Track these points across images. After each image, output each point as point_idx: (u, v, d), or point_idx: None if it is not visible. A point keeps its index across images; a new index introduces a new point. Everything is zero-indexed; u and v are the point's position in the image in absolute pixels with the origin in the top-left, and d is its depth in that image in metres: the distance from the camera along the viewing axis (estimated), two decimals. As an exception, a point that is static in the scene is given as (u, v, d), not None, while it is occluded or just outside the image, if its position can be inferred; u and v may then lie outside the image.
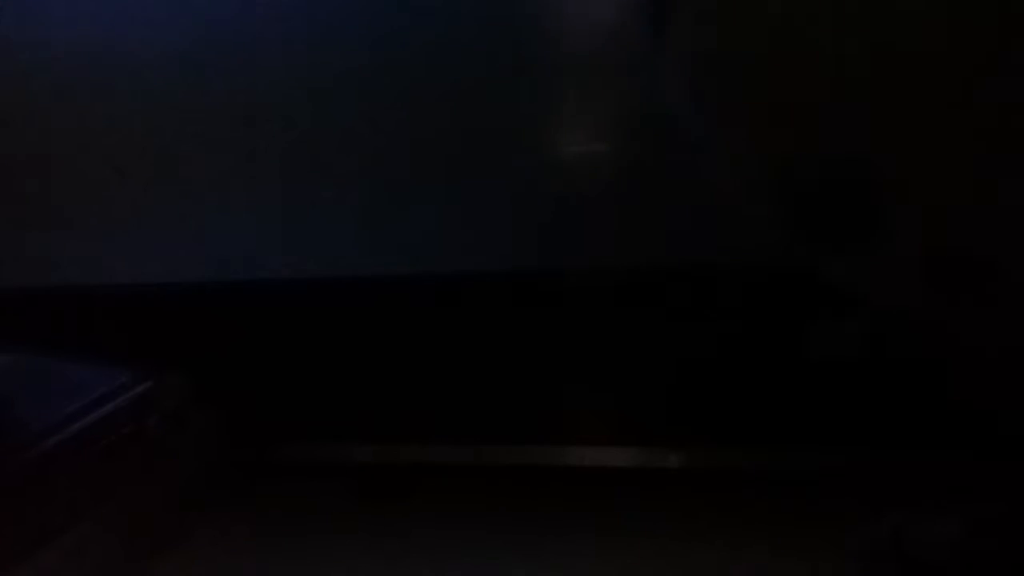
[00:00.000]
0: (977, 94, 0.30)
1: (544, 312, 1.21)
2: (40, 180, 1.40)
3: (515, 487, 1.29)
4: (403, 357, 1.39)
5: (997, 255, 0.31)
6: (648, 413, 1.20)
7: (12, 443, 1.03)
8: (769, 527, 1.10)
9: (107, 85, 1.34)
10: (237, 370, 1.36)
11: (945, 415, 0.69)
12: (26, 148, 1.40)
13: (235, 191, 1.40)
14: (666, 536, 1.18)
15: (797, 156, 0.32)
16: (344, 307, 1.42)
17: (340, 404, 1.40)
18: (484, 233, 1.23)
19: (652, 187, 1.08)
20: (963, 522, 0.32)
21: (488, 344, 1.27)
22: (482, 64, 1.14)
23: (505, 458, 1.36)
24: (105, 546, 1.04)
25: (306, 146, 1.36)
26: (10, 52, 1.36)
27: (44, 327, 1.26)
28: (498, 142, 1.17)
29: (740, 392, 1.09)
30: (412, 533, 1.24)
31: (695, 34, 0.32)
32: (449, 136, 1.19)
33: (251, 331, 1.42)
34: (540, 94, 1.15)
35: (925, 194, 0.31)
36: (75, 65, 1.34)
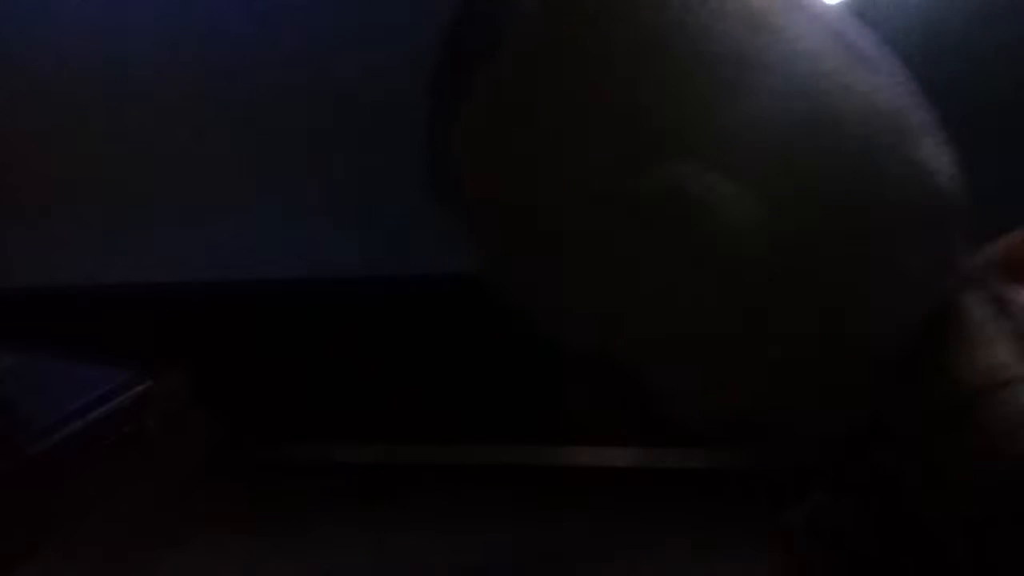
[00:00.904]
0: None
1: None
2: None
3: (512, 487, 1.29)
4: (402, 357, 1.39)
5: None
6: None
7: (12, 442, 1.03)
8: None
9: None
10: (236, 370, 1.36)
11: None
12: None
13: (235, 193, 1.40)
14: (656, 535, 1.18)
15: None
16: (343, 308, 1.41)
17: (339, 404, 1.40)
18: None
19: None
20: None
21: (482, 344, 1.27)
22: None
23: (503, 458, 1.35)
24: (105, 546, 1.04)
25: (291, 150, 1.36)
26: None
27: (44, 327, 1.26)
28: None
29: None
30: (411, 533, 1.24)
31: None
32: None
33: (250, 332, 1.42)
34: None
35: None
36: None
